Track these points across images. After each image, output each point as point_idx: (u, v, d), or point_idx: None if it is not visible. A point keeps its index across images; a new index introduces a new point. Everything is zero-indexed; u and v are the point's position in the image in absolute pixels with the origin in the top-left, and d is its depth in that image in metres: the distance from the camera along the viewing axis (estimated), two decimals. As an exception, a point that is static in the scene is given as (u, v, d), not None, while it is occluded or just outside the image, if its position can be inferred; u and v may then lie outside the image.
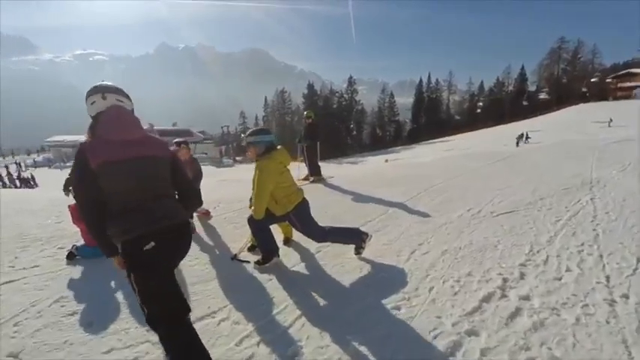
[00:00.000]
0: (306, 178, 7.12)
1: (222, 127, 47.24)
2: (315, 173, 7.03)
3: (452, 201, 4.94)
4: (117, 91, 1.75)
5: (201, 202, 2.20)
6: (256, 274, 2.98)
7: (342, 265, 3.06)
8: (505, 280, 2.57)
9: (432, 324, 2.11)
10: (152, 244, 1.54)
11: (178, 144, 4.02)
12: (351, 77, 58.04)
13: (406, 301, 2.38)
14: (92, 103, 1.71)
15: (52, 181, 22.16)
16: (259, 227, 2.99)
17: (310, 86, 55.14)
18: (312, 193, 5.87)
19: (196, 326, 2.13)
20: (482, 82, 68.24)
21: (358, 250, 3.15)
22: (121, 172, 1.56)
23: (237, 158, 36.22)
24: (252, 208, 2.87)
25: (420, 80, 63.48)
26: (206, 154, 37.97)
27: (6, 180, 24.02)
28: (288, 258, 3.24)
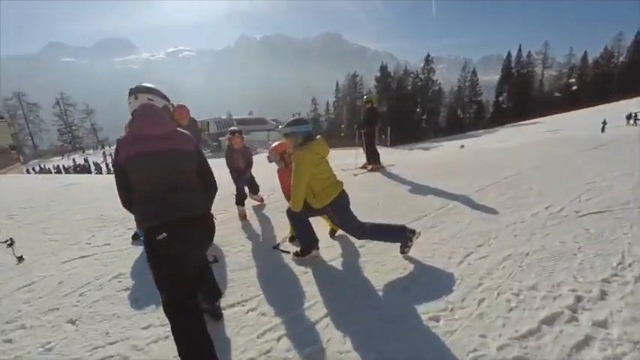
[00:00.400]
0: (363, 167, 6.89)
1: (293, 115, 48.83)
2: (373, 161, 6.76)
3: (527, 196, 4.27)
4: (148, 90, 1.86)
5: (215, 191, 2.11)
6: (293, 265, 2.98)
7: (383, 263, 2.88)
8: (578, 299, 2.12)
9: (474, 344, 1.83)
10: (164, 235, 1.64)
11: (232, 133, 4.18)
12: (428, 55, 53.86)
13: (448, 312, 2.13)
14: (129, 104, 1.86)
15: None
16: (298, 219, 2.95)
17: (383, 68, 52.88)
18: (366, 182, 5.69)
19: (225, 313, 2.27)
20: (585, 52, 57.59)
21: (404, 249, 2.92)
22: (143, 163, 1.68)
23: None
24: (291, 199, 2.84)
25: (509, 54, 56.14)
26: (278, 141, 39.70)
27: (104, 167, 28.48)
28: (330, 251, 3.17)
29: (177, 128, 1.87)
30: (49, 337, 2.22)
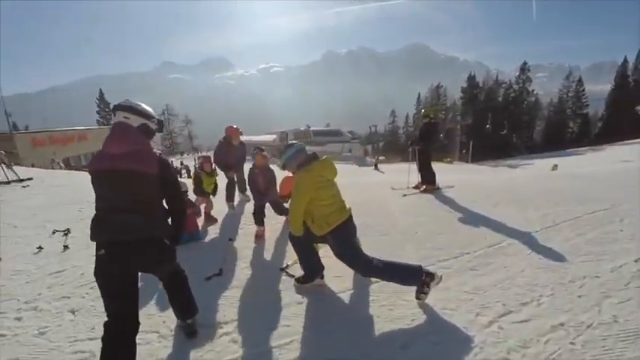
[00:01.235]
0: (416, 187, 6.26)
1: (369, 127, 48.37)
2: (428, 181, 6.09)
3: (613, 240, 3.27)
4: (125, 108, 1.86)
5: (184, 219, 2.13)
6: (291, 292, 2.74)
7: (391, 307, 2.44)
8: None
9: None
10: (102, 251, 1.71)
11: (257, 150, 4.13)
12: (525, 63, 48.17)
13: (444, 395, 1.63)
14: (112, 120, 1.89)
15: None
16: (299, 244, 2.71)
17: (471, 78, 49.00)
18: (413, 205, 5.11)
19: (202, 331, 2.20)
20: None
21: (419, 295, 2.42)
22: (99, 180, 1.77)
23: (381, 158, 36.30)
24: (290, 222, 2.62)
25: (625, 60, 46.74)
26: (351, 152, 39.70)
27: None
28: (336, 282, 2.82)
29: (154, 150, 1.88)
30: (49, 322, 2.42)
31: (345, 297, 2.65)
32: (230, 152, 5.03)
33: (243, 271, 3.19)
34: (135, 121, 1.85)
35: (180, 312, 2.19)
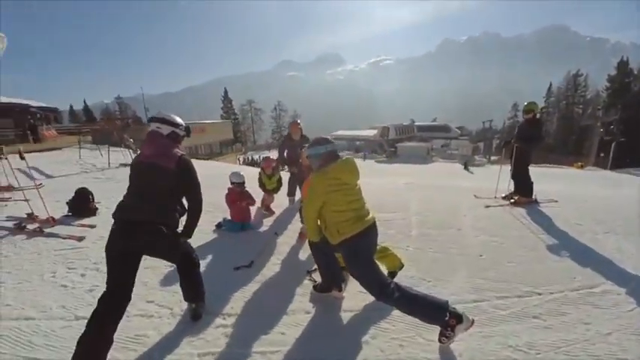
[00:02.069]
0: (507, 197, 5.23)
1: (483, 122, 43.03)
2: (522, 191, 5.02)
3: None
4: (158, 120, 2.24)
5: (200, 211, 2.33)
6: (305, 299, 2.62)
7: (403, 343, 2.08)
8: None
9: None
10: (115, 226, 2.00)
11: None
12: None
13: None
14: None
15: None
16: (317, 250, 2.53)
17: (622, 64, 38.69)
18: (494, 220, 4.31)
19: (205, 318, 2.37)
20: None
21: (441, 338, 1.98)
22: (132, 171, 2.17)
23: (493, 158, 31.93)
24: None
25: None
26: (457, 150, 36.24)
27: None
28: (358, 298, 2.55)
29: (176, 150, 2.16)
30: (100, 283, 2.70)
31: (358, 318, 2.38)
32: (292, 147, 5.07)
33: (271, 268, 3.19)
34: (165, 129, 2.21)
35: (186, 295, 2.40)
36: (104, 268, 1.98)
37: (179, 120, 2.31)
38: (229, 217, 4.22)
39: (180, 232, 2.23)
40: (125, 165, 9.45)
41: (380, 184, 6.70)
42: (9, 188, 5.78)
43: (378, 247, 2.72)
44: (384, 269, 2.79)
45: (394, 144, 39.53)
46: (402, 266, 2.86)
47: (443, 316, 1.94)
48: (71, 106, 65.71)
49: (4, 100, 16.41)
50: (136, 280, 1.99)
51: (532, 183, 5.00)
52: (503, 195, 5.33)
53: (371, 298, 2.46)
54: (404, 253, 3.31)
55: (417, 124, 50.71)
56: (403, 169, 22.64)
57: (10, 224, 4.35)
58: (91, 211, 4.97)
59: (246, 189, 4.37)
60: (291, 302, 2.59)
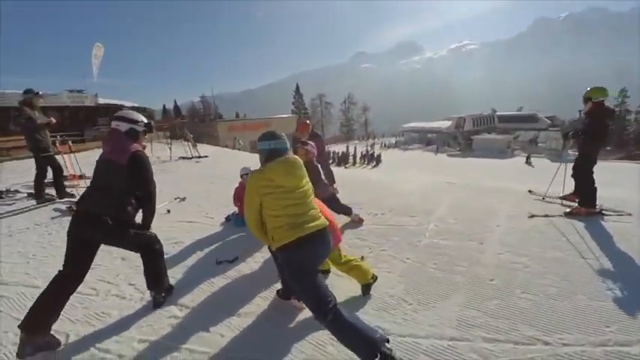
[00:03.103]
0: (565, 198, 4.32)
1: (579, 111, 36.64)
2: (582, 198, 4.02)
3: None
4: (117, 118, 2.37)
5: (152, 205, 2.42)
6: (264, 302, 2.53)
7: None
8: None
9: None
10: (73, 214, 2.26)
11: (301, 143, 3.74)
12: None
13: None
14: None
15: (390, 159, 27.69)
16: (273, 255, 2.39)
17: None
18: (530, 233, 3.49)
19: (166, 307, 2.49)
20: None
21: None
22: (95, 166, 2.32)
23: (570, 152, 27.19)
24: None
25: None
26: (544, 143, 31.67)
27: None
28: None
29: (133, 146, 2.26)
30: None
31: (308, 330, 2.15)
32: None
33: (252, 266, 3.12)
34: (123, 126, 2.33)
35: (147, 283, 2.51)
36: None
37: (137, 117, 2.40)
38: (237, 212, 4.23)
39: (140, 224, 2.41)
40: (183, 158, 10.20)
41: (420, 184, 6.07)
42: (81, 177, 6.52)
43: (343, 258, 2.50)
44: (353, 283, 2.47)
45: (470, 136, 36.09)
46: (375, 278, 2.58)
47: (371, 356, 1.62)
48: (164, 106, 74.57)
49: (102, 101, 19.10)
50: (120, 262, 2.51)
51: (594, 189, 3.97)
52: (562, 195, 4.35)
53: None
54: (398, 266, 2.90)
55: (498, 114, 45.38)
56: (475, 164, 20.69)
57: (64, 207, 5.04)
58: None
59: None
60: (249, 304, 2.49)
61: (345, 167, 27.46)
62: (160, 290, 2.52)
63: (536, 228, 3.66)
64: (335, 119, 64.28)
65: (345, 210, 3.91)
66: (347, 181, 5.94)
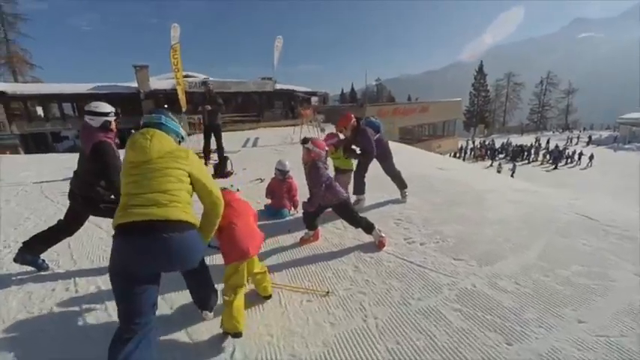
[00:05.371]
0: None
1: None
2: None
3: None
4: (87, 112, 2.54)
5: (114, 189, 2.51)
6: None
7: None
8: None
9: None
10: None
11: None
12: None
13: None
14: None
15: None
16: None
17: None
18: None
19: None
20: None
21: None
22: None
23: None
24: None
25: None
26: None
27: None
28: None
29: (97, 136, 2.46)
30: None
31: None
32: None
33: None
34: (97, 121, 2.51)
35: None
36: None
37: (106, 108, 2.55)
38: (270, 203, 4.06)
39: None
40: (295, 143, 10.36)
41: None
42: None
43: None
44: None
45: None
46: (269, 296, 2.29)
47: None
48: (342, 90, 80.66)
49: (278, 87, 22.22)
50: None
51: None
52: None
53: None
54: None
55: None
56: None
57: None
58: (226, 174, 6.14)
59: (291, 180, 3.99)
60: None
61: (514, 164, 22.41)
62: None
63: None
64: (524, 104, 52.97)
65: (362, 223, 2.94)
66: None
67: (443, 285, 2.33)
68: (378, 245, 2.94)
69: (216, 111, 6.50)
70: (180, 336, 1.97)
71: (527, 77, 55.82)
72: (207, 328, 2.01)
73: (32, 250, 2.69)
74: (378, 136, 3.97)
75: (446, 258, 2.71)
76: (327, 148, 3.18)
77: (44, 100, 17.74)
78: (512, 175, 18.93)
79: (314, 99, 28.45)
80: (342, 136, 4.09)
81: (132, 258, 1.50)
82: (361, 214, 3.04)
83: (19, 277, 2.68)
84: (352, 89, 74.60)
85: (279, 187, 3.92)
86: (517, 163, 23.87)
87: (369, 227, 2.92)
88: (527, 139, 33.72)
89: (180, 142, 1.89)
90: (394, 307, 2.12)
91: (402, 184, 4.17)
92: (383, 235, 2.97)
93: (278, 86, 22.53)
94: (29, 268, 2.73)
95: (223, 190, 2.10)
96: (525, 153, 27.16)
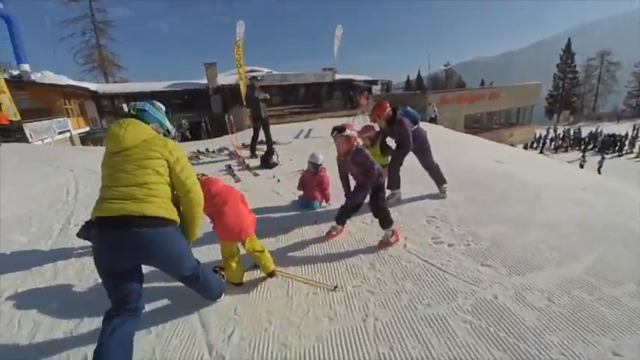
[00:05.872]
0: None
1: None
2: None
3: None
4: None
5: None
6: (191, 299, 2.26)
7: None
8: None
9: None
10: None
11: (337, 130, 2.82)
12: None
13: None
14: None
15: None
16: None
17: None
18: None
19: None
20: None
21: None
22: None
23: None
24: None
25: None
26: None
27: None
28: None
29: None
30: None
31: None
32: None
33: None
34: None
35: None
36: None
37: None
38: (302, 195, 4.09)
39: None
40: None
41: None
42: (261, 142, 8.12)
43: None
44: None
45: None
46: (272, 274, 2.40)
47: None
48: (408, 77, 77.13)
49: (337, 77, 22.12)
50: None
51: None
52: None
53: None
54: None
55: None
56: None
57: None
58: (272, 165, 6.28)
59: (323, 173, 3.93)
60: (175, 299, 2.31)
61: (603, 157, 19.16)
62: None
63: None
64: (620, 87, 45.08)
65: (384, 214, 2.79)
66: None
67: (459, 292, 2.13)
68: (379, 244, 2.85)
69: (258, 104, 6.61)
70: (187, 315, 2.11)
71: (624, 56, 47.21)
72: (215, 309, 2.14)
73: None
74: (415, 127, 3.74)
75: (472, 263, 2.46)
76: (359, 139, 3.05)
77: (128, 97, 20.17)
78: (598, 171, 16.20)
79: (375, 87, 27.77)
80: (377, 127, 3.93)
81: (107, 253, 1.54)
82: (392, 208, 2.93)
83: (79, 250, 3.11)
84: (418, 75, 70.89)
85: (311, 180, 3.93)
86: (606, 156, 20.36)
87: (387, 222, 2.78)
88: (622, 128, 28.67)
89: (165, 135, 1.84)
90: (399, 311, 2.01)
91: (440, 179, 3.88)
92: (391, 239, 2.82)
93: (338, 76, 22.46)
94: (88, 243, 3.12)
95: (204, 177, 2.23)
96: (617, 144, 23.04)
